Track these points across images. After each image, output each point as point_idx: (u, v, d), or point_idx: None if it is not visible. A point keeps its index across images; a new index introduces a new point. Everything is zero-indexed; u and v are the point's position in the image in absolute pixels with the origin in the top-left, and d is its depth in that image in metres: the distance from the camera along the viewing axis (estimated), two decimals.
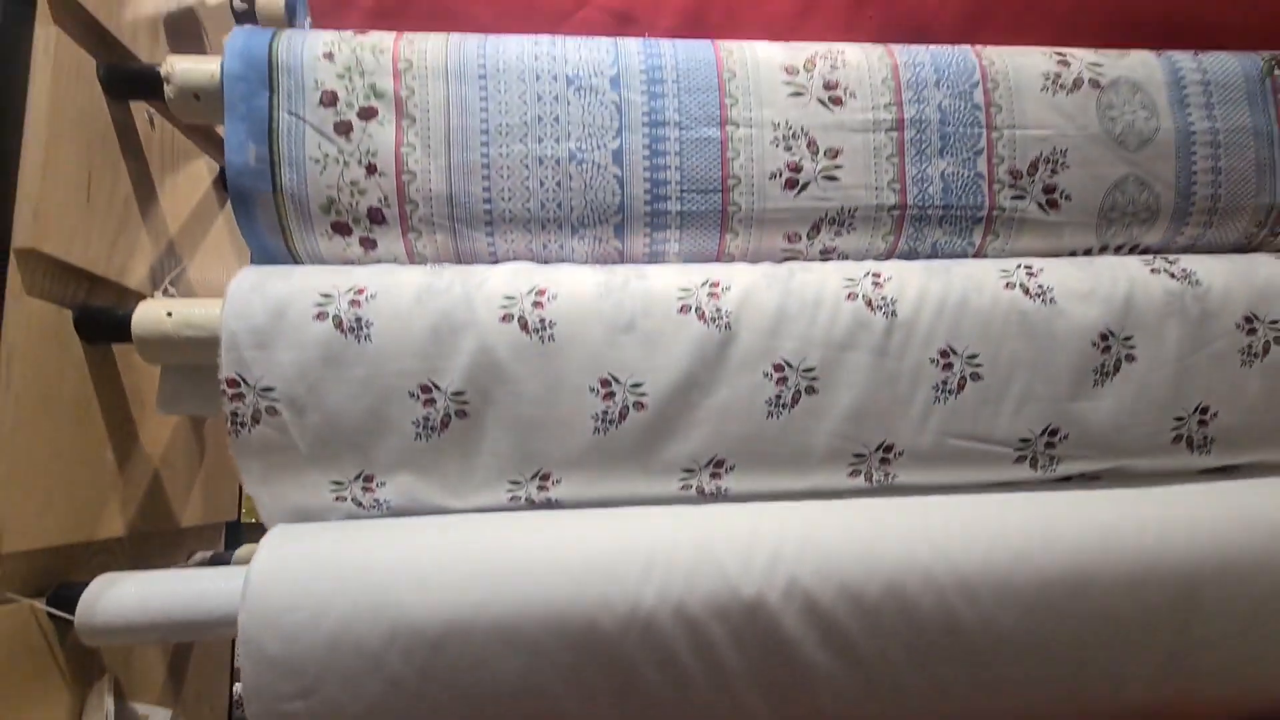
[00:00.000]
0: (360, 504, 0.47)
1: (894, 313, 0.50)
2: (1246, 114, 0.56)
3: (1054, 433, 0.51)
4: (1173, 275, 0.53)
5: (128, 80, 0.52)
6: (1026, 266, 0.53)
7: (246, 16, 0.73)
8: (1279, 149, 0.56)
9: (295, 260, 0.51)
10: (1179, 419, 0.51)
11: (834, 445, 0.49)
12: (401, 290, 0.47)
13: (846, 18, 0.59)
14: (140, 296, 0.54)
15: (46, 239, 0.45)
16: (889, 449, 0.50)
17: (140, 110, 0.56)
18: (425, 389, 0.46)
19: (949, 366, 0.50)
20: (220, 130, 0.69)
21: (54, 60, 0.46)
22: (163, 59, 0.57)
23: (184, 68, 0.51)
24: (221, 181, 0.70)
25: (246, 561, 0.46)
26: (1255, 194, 0.56)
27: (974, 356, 0.50)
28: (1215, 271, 0.53)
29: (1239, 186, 0.56)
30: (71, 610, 0.44)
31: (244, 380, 0.45)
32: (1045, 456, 0.51)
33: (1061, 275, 0.52)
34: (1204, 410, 0.52)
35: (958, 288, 0.51)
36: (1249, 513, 0.50)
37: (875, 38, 0.59)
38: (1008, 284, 0.51)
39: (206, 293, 0.64)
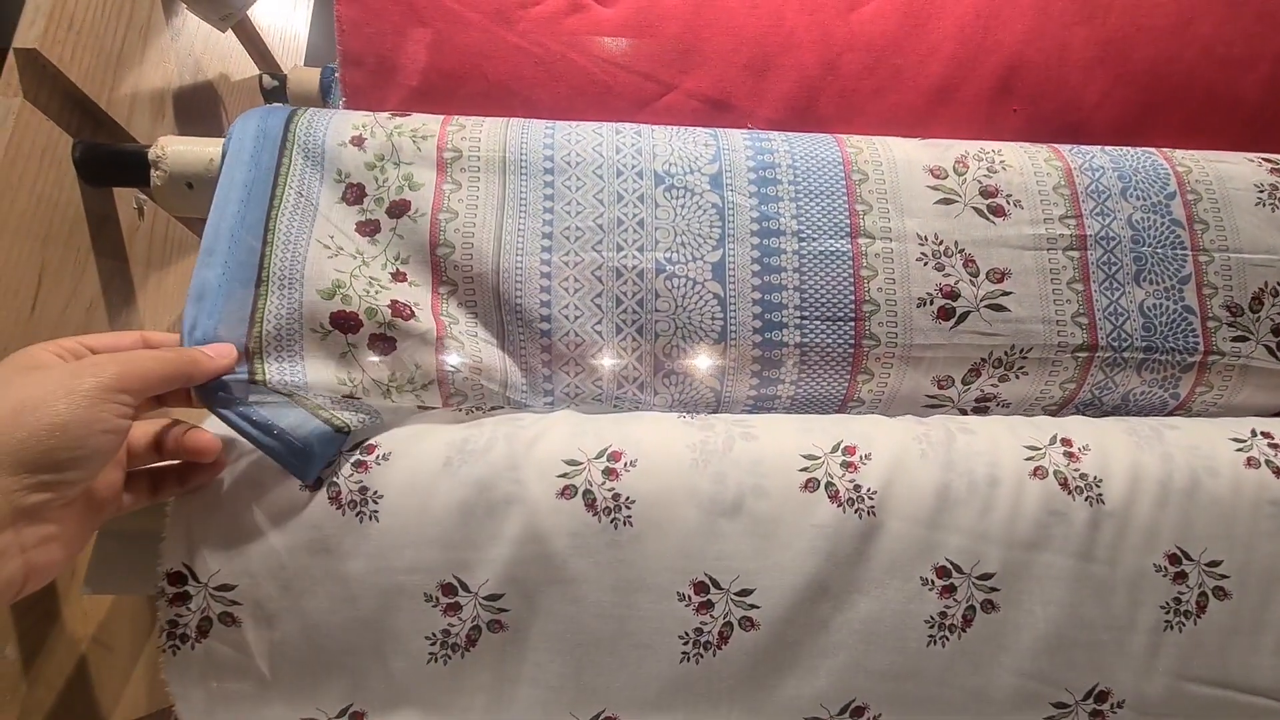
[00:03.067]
0: None
1: (1100, 498, 0.36)
2: None
3: None
4: None
5: (107, 163, 0.42)
6: (1267, 435, 0.39)
7: (276, 95, 0.66)
8: None
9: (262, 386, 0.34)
10: None
11: (1024, 689, 0.34)
12: (425, 450, 0.34)
13: (987, 112, 0.48)
14: None
15: None
16: (1103, 697, 0.35)
17: (128, 198, 0.46)
18: (448, 590, 0.33)
19: (1182, 577, 0.35)
20: None
21: (11, 137, 0.36)
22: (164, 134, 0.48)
23: (177, 150, 0.41)
24: None
25: None
26: None
27: (1217, 564, 0.36)
28: None
29: None
30: None
31: (193, 575, 0.31)
32: None
33: None
34: None
35: (1182, 464, 0.37)
36: None
37: (1020, 137, 0.48)
38: (1250, 460, 0.38)
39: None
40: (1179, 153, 0.45)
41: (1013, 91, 0.49)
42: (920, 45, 0.48)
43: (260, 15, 0.63)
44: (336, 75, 0.51)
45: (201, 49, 0.54)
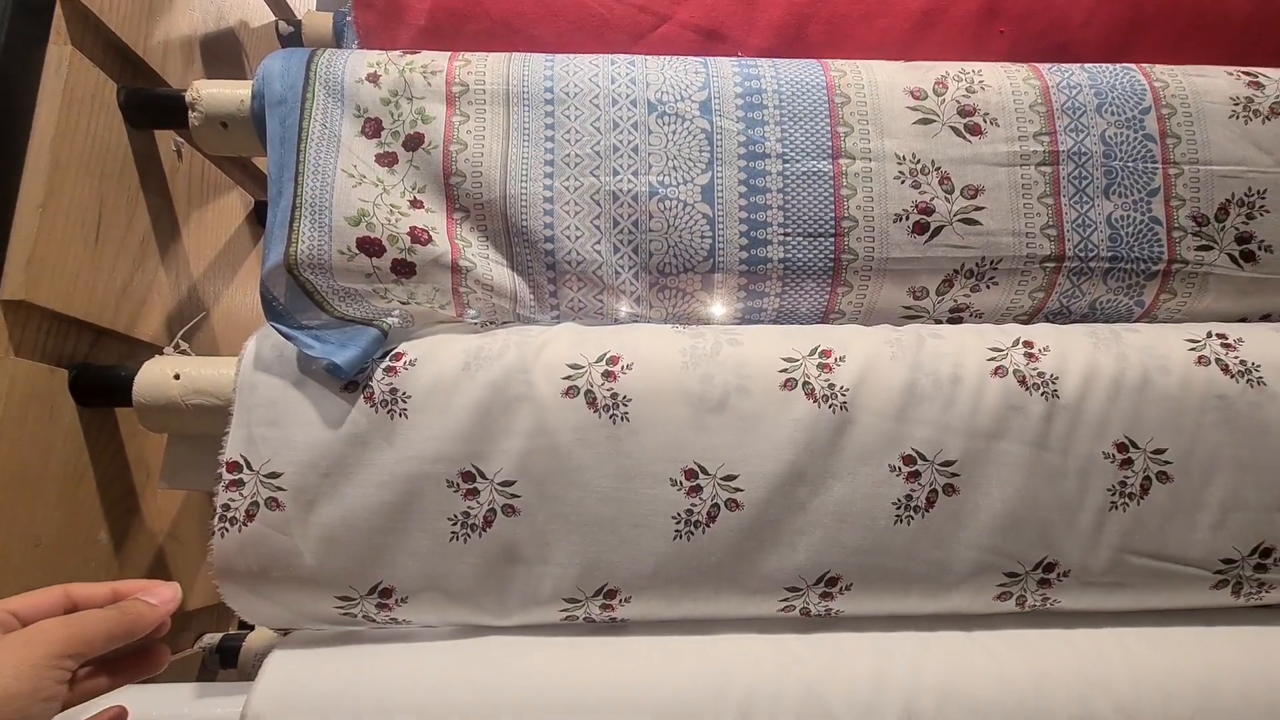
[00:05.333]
0: (374, 620, 0.38)
1: (1055, 393, 0.39)
2: None
3: (1267, 553, 0.39)
4: None
5: (149, 106, 0.46)
6: (1220, 336, 0.42)
7: (292, 40, 0.68)
8: None
9: (304, 292, 0.39)
10: None
11: (980, 561, 0.39)
12: (446, 357, 0.39)
13: (974, 33, 0.50)
14: (153, 349, 0.47)
15: (41, 289, 0.39)
16: (1051, 568, 0.39)
17: (166, 140, 0.50)
18: (467, 477, 0.38)
19: (1128, 464, 0.39)
20: (256, 162, 0.63)
21: (65, 84, 0.40)
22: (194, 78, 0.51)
23: (211, 93, 0.44)
24: (257, 217, 0.64)
25: (257, 652, 0.38)
26: None
27: (1161, 452, 0.39)
28: None
29: None
30: None
31: (247, 463, 0.37)
32: (1253, 582, 0.40)
33: (1271, 350, 0.41)
34: None
35: (1136, 363, 0.40)
36: None
37: (1007, 57, 0.49)
38: (1200, 359, 0.41)
39: (232, 342, 0.57)
40: (1158, 68, 0.46)
41: (999, 12, 0.50)
42: None
43: None
44: (349, 19, 0.54)
45: None
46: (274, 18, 0.67)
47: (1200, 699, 0.37)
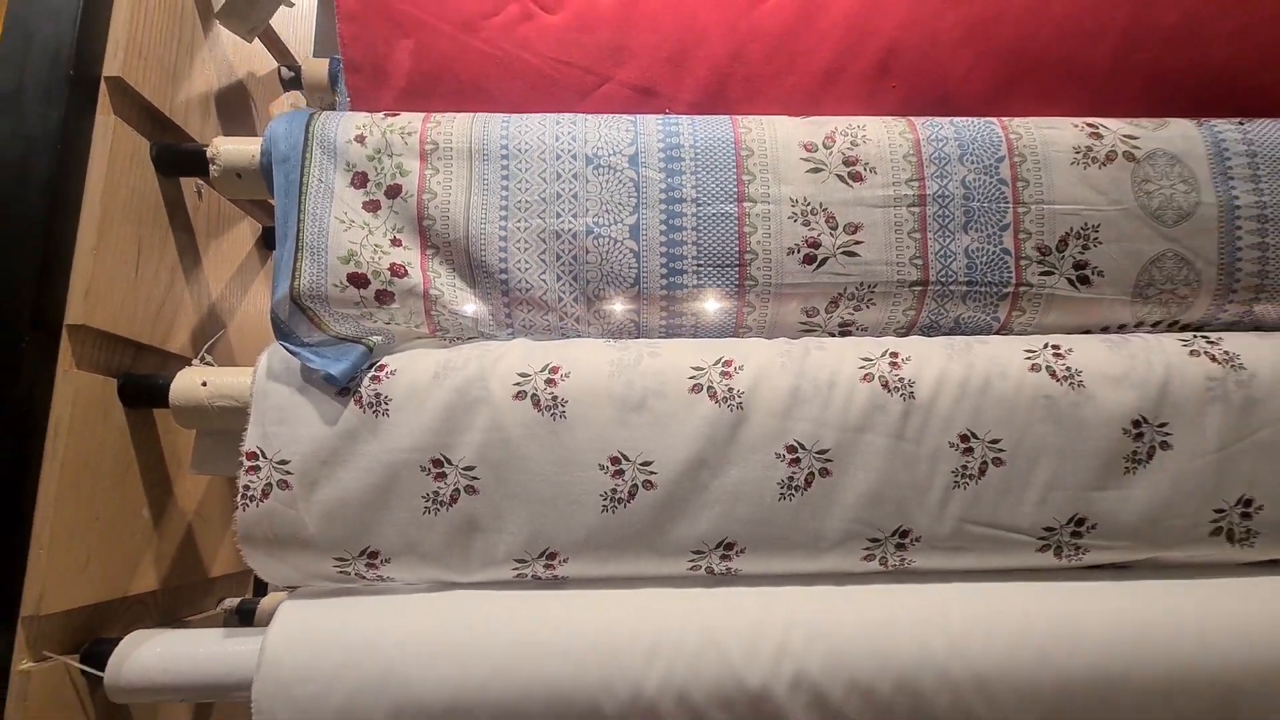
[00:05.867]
0: (364, 578, 0.48)
1: (911, 395, 0.49)
2: None
3: (1080, 522, 0.49)
4: (1214, 358, 0.50)
5: (177, 160, 0.55)
6: (1054, 347, 0.51)
7: (293, 84, 0.78)
8: None
9: (306, 317, 0.49)
10: (1219, 511, 0.49)
11: (848, 529, 0.48)
12: (420, 367, 0.48)
13: (869, 89, 0.59)
14: (182, 360, 0.57)
15: (96, 314, 0.48)
16: (905, 534, 0.48)
17: (190, 183, 0.60)
18: (437, 463, 0.47)
19: (969, 451, 0.48)
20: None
21: (110, 147, 0.50)
22: (214, 133, 0.61)
23: (228, 149, 0.54)
24: (265, 241, 0.74)
25: (271, 611, 0.48)
26: None
27: (996, 442, 0.48)
28: (1262, 354, 0.51)
29: None
30: (103, 666, 0.46)
31: (263, 453, 0.47)
32: (1070, 546, 0.49)
33: (1092, 357, 0.50)
34: (1247, 502, 0.49)
35: (980, 370, 0.49)
36: None
37: (899, 109, 0.58)
38: (1033, 366, 0.50)
39: (245, 350, 0.67)
40: (1016, 121, 0.55)
41: (891, 71, 0.59)
42: (812, 34, 0.58)
43: (275, 17, 0.74)
44: (340, 66, 0.63)
45: (232, 54, 0.67)
46: (277, 64, 0.76)
47: (1017, 637, 0.46)
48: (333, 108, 0.72)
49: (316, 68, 0.77)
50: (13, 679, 0.43)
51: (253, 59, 0.71)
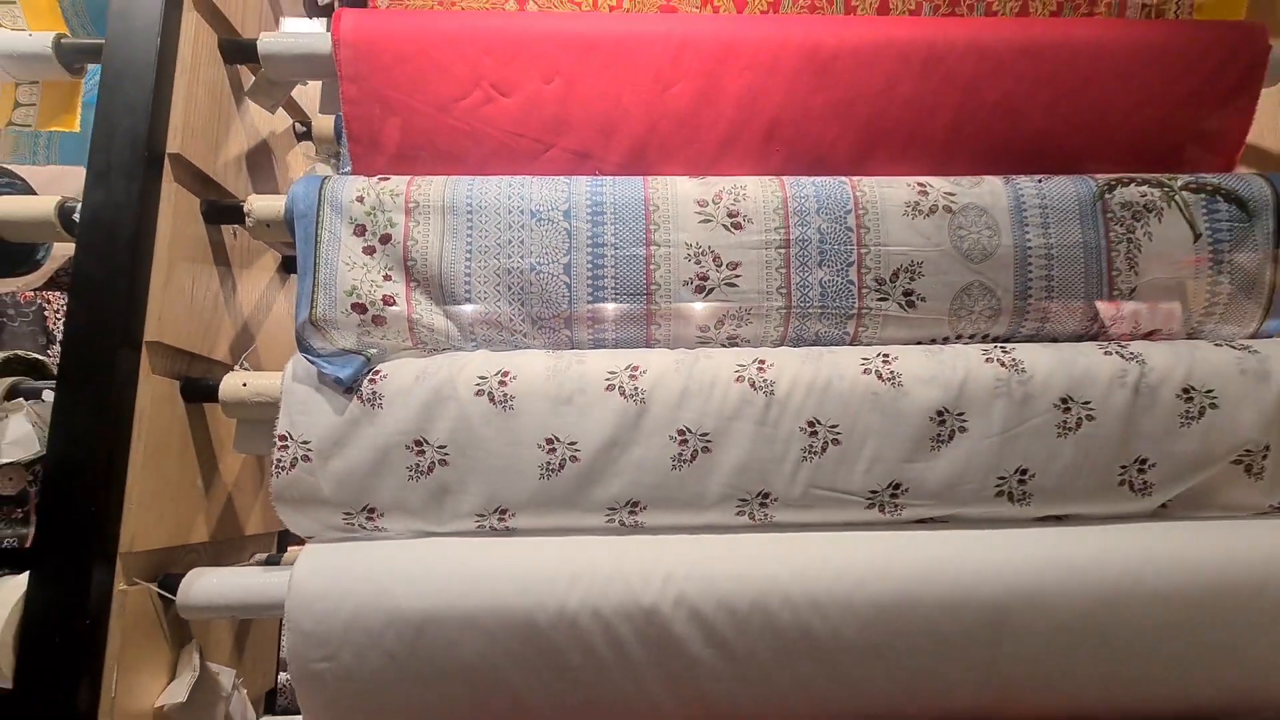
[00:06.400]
0: (365, 528, 0.65)
1: (772, 392, 0.65)
2: (1078, 231, 0.70)
3: (896, 486, 0.65)
4: (1003, 364, 0.67)
5: (221, 213, 0.72)
6: (884, 355, 0.67)
7: (305, 136, 0.94)
8: (1105, 260, 0.70)
9: (321, 335, 0.66)
10: (1001, 479, 0.65)
11: (724, 492, 0.65)
12: (405, 372, 0.65)
13: (757, 154, 0.75)
14: (224, 365, 0.74)
15: (165, 333, 0.65)
16: (766, 496, 0.65)
17: (229, 227, 0.76)
18: (418, 443, 0.64)
19: (814, 434, 0.65)
20: None
21: (173, 207, 0.67)
22: (245, 185, 0.78)
23: (260, 205, 0.70)
24: (285, 267, 0.90)
25: (291, 563, 0.65)
26: (1085, 298, 0.70)
27: (835, 426, 0.65)
28: (1041, 361, 0.67)
29: (1070, 292, 0.69)
30: (173, 592, 0.63)
31: (290, 436, 0.63)
32: (891, 505, 0.66)
33: (910, 363, 0.67)
34: (1023, 472, 0.65)
35: (824, 373, 0.66)
36: (1053, 553, 0.64)
37: (782, 170, 0.75)
38: (865, 370, 0.66)
39: (270, 353, 0.84)
40: (863, 180, 0.72)
41: (774, 139, 0.75)
42: (711, 112, 0.74)
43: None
44: (344, 123, 0.79)
45: (257, 119, 0.83)
46: (291, 120, 0.93)
47: (842, 569, 0.63)
48: (337, 156, 0.89)
49: (324, 123, 0.93)
50: (114, 597, 0.60)
51: (273, 119, 0.88)
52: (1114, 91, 0.75)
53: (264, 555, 0.83)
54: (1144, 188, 0.71)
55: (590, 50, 0.73)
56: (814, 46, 0.74)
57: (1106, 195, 0.71)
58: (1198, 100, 0.76)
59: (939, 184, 0.72)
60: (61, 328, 1.20)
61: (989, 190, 0.71)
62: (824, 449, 0.65)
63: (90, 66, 0.77)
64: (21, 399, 0.67)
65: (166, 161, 0.67)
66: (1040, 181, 0.72)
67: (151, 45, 0.66)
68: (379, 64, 0.72)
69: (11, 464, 0.66)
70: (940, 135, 0.76)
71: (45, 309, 1.00)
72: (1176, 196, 0.71)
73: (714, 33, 0.74)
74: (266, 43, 0.74)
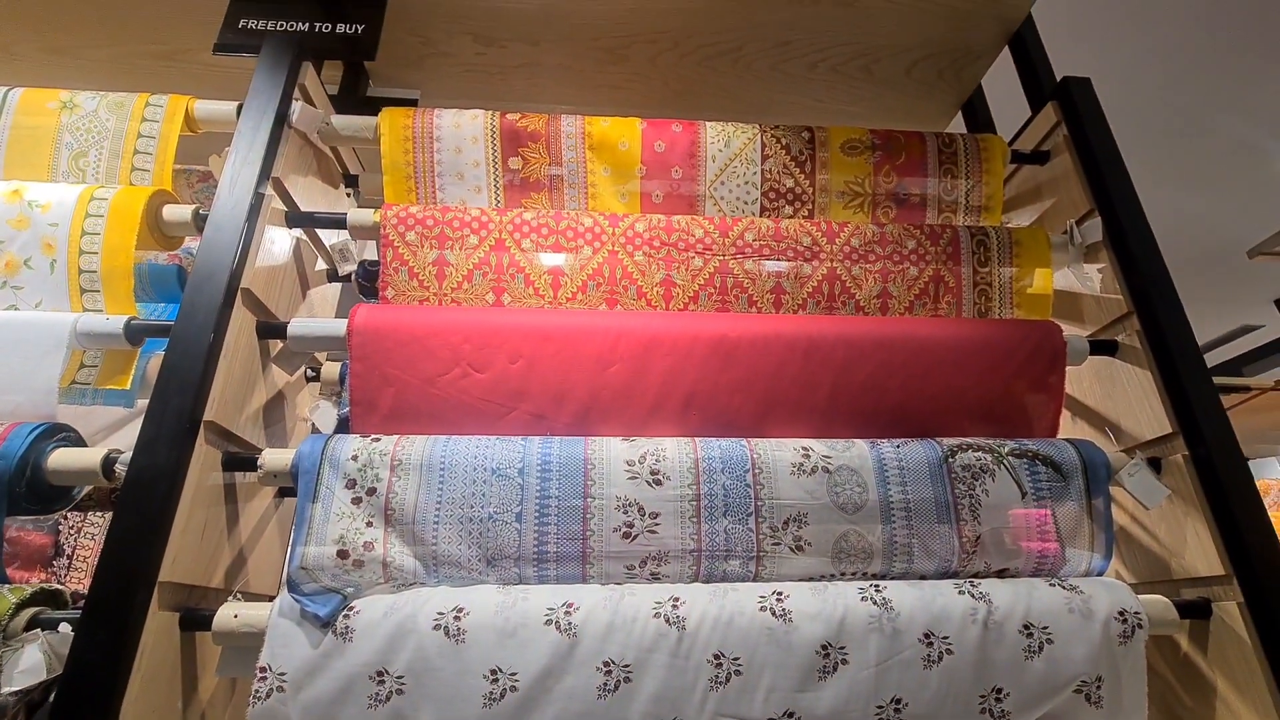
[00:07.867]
0: None
1: (684, 627, 0.78)
2: (930, 488, 0.88)
3: (790, 715, 0.76)
4: (875, 603, 0.81)
5: (237, 464, 0.88)
6: (778, 593, 0.81)
7: (313, 379, 1.14)
8: (954, 512, 0.87)
9: (307, 577, 0.80)
10: (880, 707, 0.76)
11: (642, 718, 0.75)
12: (375, 609, 0.78)
13: (678, 416, 0.94)
14: (218, 591, 0.85)
15: (176, 573, 0.78)
16: None
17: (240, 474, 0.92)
18: (379, 674, 0.75)
19: (720, 665, 0.77)
20: None
21: (201, 464, 0.82)
22: (259, 434, 0.94)
23: (271, 459, 0.87)
24: (280, 492, 1.05)
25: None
26: (941, 542, 0.86)
27: (737, 659, 0.77)
28: (906, 599, 0.81)
29: (927, 538, 0.86)
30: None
31: (270, 668, 0.74)
32: None
33: (799, 601, 0.81)
34: (898, 701, 0.77)
35: (728, 610, 0.79)
36: None
37: (699, 430, 0.94)
38: (762, 607, 0.80)
39: (262, 576, 0.96)
40: (759, 443, 0.90)
41: (691, 407, 0.95)
42: (641, 385, 0.94)
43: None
44: (348, 368, 0.98)
45: (277, 376, 1.02)
46: (304, 367, 1.13)
47: None
48: (338, 394, 1.07)
49: (331, 369, 1.13)
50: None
51: (286, 379, 1.07)
52: (952, 374, 0.97)
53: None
54: (979, 453, 0.90)
55: (547, 339, 0.94)
56: (720, 337, 0.96)
57: (949, 459, 0.90)
58: (1017, 380, 0.98)
59: (819, 447, 0.90)
60: (72, 542, 1.31)
61: (858, 454, 0.90)
62: (728, 679, 0.77)
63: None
64: (39, 629, 0.77)
65: (202, 428, 0.84)
66: (899, 446, 0.91)
67: (206, 336, 0.86)
68: (381, 347, 0.93)
69: (12, 691, 0.75)
70: (821, 405, 0.96)
71: (60, 525, 1.11)
72: (1004, 460, 0.90)
73: (643, 326, 0.97)
74: (295, 326, 0.95)
